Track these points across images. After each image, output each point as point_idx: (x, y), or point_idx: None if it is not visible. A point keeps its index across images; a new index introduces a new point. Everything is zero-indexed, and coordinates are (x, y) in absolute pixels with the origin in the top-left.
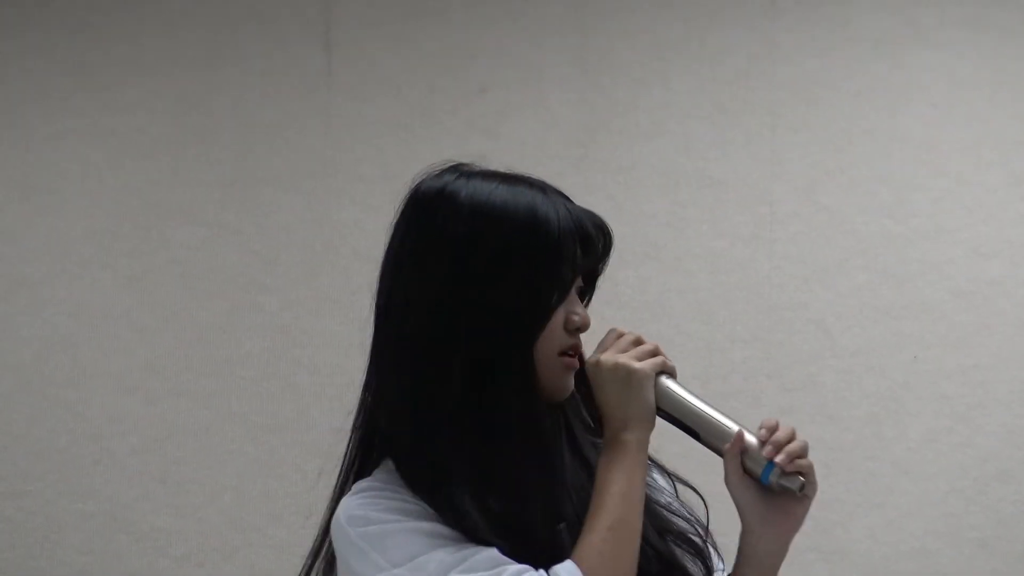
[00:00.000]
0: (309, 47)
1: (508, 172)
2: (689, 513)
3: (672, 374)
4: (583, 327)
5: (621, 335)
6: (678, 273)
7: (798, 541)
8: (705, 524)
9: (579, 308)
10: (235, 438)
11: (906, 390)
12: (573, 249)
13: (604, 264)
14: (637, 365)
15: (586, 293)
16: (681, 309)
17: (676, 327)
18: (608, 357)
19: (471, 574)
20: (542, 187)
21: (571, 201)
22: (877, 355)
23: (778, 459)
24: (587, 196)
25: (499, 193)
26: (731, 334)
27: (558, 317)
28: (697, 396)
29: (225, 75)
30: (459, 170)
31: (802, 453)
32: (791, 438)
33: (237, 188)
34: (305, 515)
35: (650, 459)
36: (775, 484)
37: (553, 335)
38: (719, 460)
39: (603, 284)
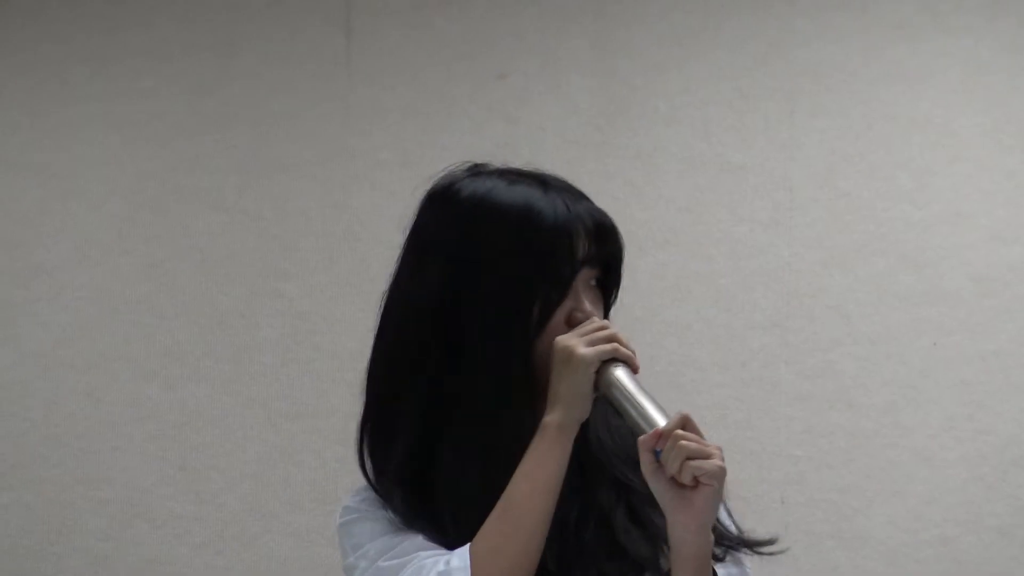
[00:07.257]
0: (328, 33)
1: (517, 169)
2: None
3: (630, 364)
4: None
5: (594, 323)
6: (696, 259)
7: (818, 528)
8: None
9: (585, 305)
10: (254, 425)
11: (925, 377)
12: (568, 246)
13: (613, 260)
14: (582, 350)
15: (610, 290)
16: (699, 295)
17: (694, 313)
18: (561, 339)
19: (394, 560)
20: (543, 183)
21: (582, 198)
22: (896, 342)
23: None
24: (606, 182)
25: (496, 192)
26: (750, 320)
27: (560, 314)
28: (640, 389)
29: (244, 61)
30: (472, 170)
31: (686, 438)
32: (683, 426)
33: (256, 174)
34: (324, 502)
35: None
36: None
37: (556, 332)
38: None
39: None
